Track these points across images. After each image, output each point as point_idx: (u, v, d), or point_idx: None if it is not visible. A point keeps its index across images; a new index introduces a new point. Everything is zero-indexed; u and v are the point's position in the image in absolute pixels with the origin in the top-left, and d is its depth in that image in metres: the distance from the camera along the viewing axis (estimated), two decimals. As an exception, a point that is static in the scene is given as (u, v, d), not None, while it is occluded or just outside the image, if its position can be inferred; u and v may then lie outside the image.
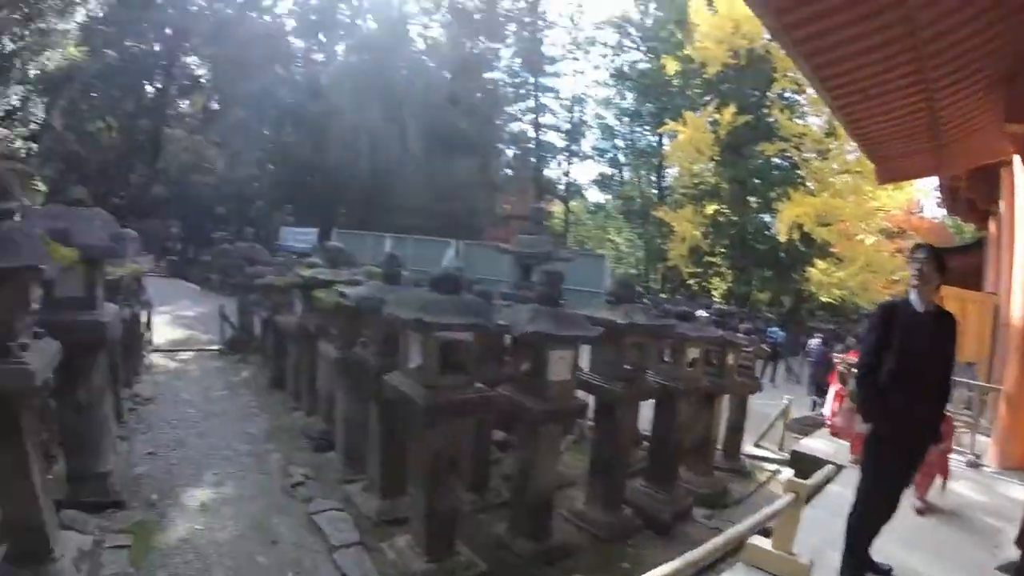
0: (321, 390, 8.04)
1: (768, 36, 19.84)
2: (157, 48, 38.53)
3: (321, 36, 33.76)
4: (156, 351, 12.74)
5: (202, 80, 40.58)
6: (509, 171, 38.78)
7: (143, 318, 11.29)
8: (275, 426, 8.62)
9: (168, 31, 37.27)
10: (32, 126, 20.77)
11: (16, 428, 3.80)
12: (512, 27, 39.26)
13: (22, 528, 4.00)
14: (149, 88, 39.56)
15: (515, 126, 42.53)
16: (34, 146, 20.84)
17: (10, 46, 17.32)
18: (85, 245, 4.96)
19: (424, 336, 4.44)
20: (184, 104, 41.90)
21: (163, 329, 14.76)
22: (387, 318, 4.85)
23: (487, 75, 37.09)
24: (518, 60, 41.48)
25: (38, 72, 19.53)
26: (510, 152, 40.71)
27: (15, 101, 18.87)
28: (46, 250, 3.85)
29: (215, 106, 39.01)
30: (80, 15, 20.88)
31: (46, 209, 5.63)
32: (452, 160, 30.37)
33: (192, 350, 13.51)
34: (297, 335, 8.93)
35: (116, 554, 4.84)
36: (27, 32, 17.82)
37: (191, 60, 39.91)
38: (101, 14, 30.16)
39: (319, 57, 34.66)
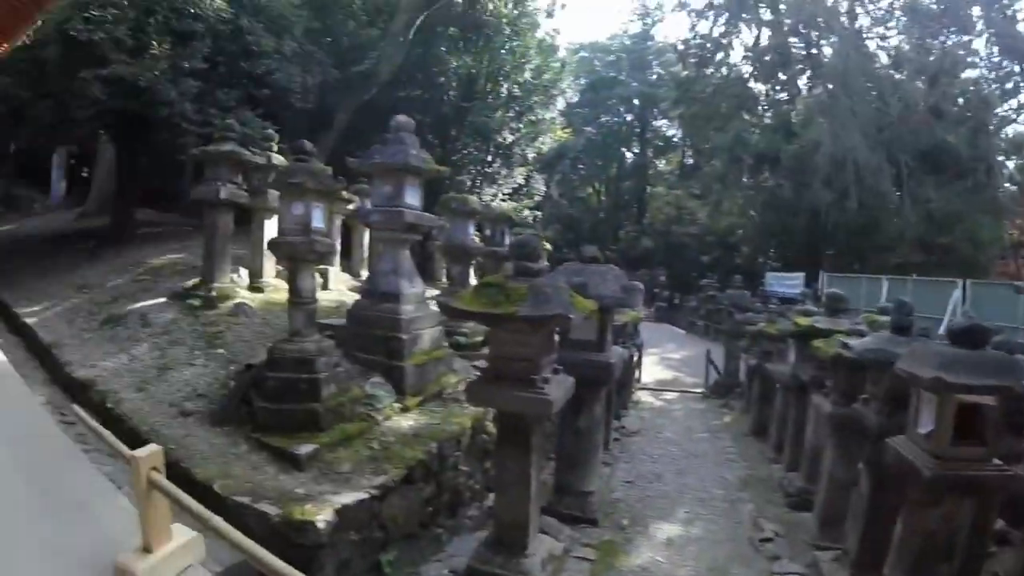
0: (807, 445, 7.55)
1: None
2: (629, 118, 44.36)
3: (780, 74, 32.33)
4: (643, 389, 13.79)
5: (674, 139, 44.55)
6: (1012, 187, 31.08)
7: (635, 358, 12.32)
8: (751, 475, 8.47)
9: (635, 101, 42.64)
10: (536, 198, 25.67)
11: (527, 443, 4.57)
12: (977, 10, 31.44)
13: (509, 523, 4.72)
14: (628, 154, 45.47)
15: (1010, 130, 33.82)
16: (538, 213, 25.99)
17: (510, 138, 21.86)
18: (600, 296, 5.74)
19: (941, 398, 3.83)
20: (661, 163, 46.61)
21: (651, 369, 15.93)
22: (897, 374, 4.28)
23: (965, 75, 30.32)
24: (995, 48, 33.07)
25: (535, 154, 24.48)
26: (1010, 163, 32.53)
27: (520, 180, 23.79)
28: (571, 301, 4.48)
29: (690, 160, 41.90)
30: (560, 104, 25.61)
31: (566, 266, 6.69)
32: (943, 182, 25.90)
33: (676, 391, 14.28)
34: (787, 385, 8.60)
35: (580, 565, 5.32)
36: (521, 125, 22.30)
37: (661, 123, 44.68)
38: (576, 99, 35.20)
39: (783, 96, 33.38)
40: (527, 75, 21.08)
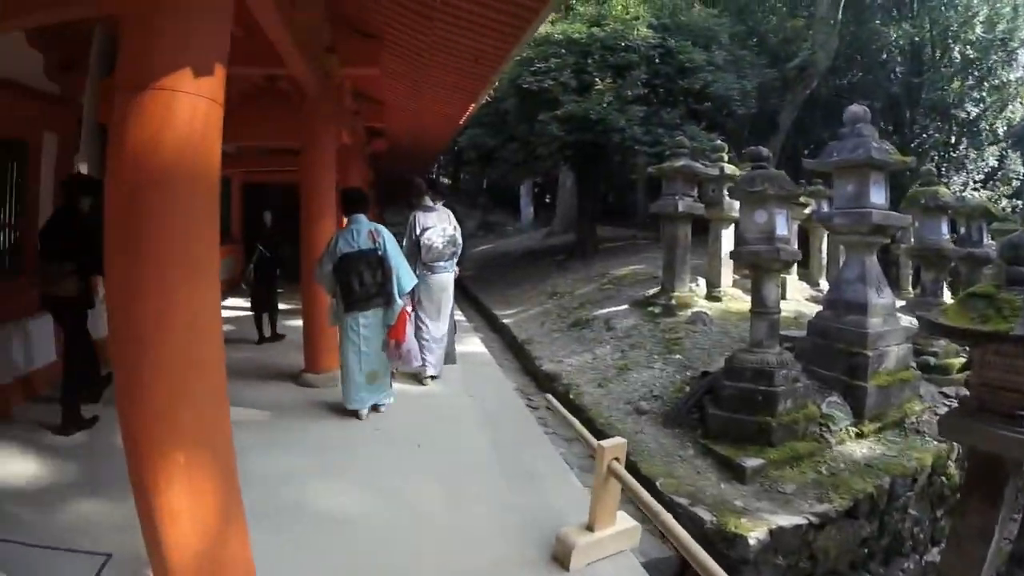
0: None
1: None
2: None
3: None
4: None
5: None
6: None
7: None
8: None
9: None
10: (1014, 183, 20.24)
11: (998, 493, 3.73)
12: None
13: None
14: None
15: None
16: (1018, 203, 20.34)
17: (973, 111, 17.70)
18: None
19: None
20: None
21: None
22: None
23: None
24: None
25: (1005, 128, 19.02)
26: None
27: (993, 162, 18.66)
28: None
29: None
30: (1023, 60, 19.49)
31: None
32: None
33: None
34: None
35: None
36: (984, 93, 17.98)
37: None
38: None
39: None
40: (978, 30, 17.49)
